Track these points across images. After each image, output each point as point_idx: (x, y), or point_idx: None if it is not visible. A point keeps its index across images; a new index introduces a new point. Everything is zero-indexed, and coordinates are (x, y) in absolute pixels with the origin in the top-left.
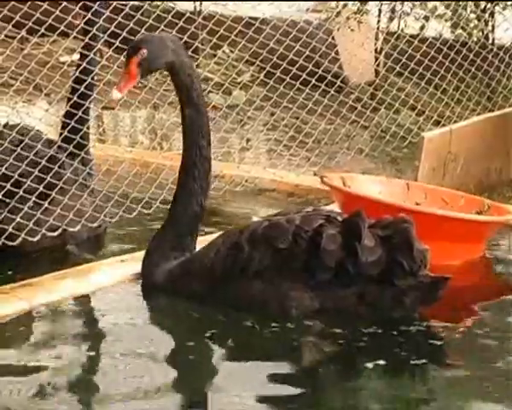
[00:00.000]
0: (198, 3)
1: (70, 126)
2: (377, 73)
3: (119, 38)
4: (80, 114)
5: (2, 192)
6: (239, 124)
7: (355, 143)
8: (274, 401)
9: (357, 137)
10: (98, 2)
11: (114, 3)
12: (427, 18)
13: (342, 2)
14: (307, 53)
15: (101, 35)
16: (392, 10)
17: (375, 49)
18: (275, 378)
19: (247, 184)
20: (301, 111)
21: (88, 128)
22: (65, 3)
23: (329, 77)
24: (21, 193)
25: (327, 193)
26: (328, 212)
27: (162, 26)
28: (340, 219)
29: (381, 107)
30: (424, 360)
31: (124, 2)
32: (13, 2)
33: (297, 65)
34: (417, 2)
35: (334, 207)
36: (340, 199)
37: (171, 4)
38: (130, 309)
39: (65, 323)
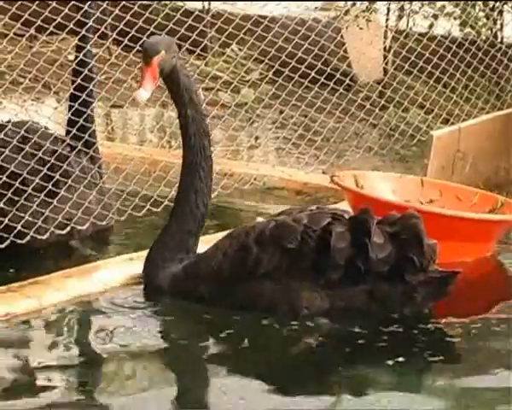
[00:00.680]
0: (206, 2)
1: (73, 122)
2: (386, 71)
3: (128, 37)
4: (78, 107)
5: (9, 190)
6: (248, 122)
7: (364, 141)
8: (289, 400)
9: (366, 135)
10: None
11: (123, 2)
12: (435, 16)
13: (351, 1)
14: (316, 51)
15: (91, 36)
16: (401, 8)
17: (384, 48)
18: (288, 378)
19: (255, 182)
20: (310, 109)
21: (93, 124)
22: (73, 2)
23: (338, 75)
24: (28, 190)
25: (335, 191)
26: (332, 210)
27: (171, 25)
28: (346, 216)
29: (390, 105)
30: (436, 358)
31: (133, 1)
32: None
33: (306, 63)
34: (426, 1)
35: (341, 206)
36: (351, 199)
37: (179, 3)
38: (137, 310)
39: (72, 322)
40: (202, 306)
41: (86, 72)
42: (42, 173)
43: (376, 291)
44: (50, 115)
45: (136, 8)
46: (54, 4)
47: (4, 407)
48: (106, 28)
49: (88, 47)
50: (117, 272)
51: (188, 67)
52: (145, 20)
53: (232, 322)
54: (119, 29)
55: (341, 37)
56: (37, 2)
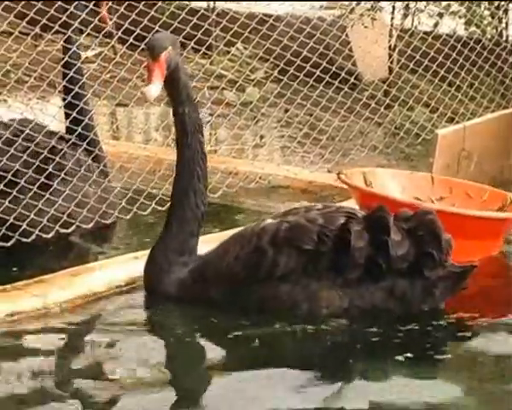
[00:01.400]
0: (211, 1)
1: (68, 116)
2: (391, 70)
3: (133, 35)
4: (72, 101)
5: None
6: (253, 121)
7: (369, 139)
8: (307, 398)
9: (371, 133)
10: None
11: (128, 1)
12: (440, 15)
13: (355, 0)
14: (321, 50)
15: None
16: (406, 7)
17: (389, 46)
18: (307, 377)
19: (260, 180)
20: (315, 108)
21: (88, 119)
22: (78, 1)
23: (343, 74)
24: (20, 183)
25: (341, 189)
26: (341, 208)
27: (176, 23)
28: (359, 215)
29: (395, 104)
30: (452, 355)
31: (138, 0)
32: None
33: (311, 62)
34: (431, 0)
35: (347, 204)
36: (358, 197)
37: (185, 1)
38: (142, 310)
39: (77, 321)
40: (213, 310)
41: (73, 70)
42: (34, 167)
43: (396, 288)
44: (55, 114)
45: (141, 6)
46: (59, 3)
47: (7, 405)
48: (111, 27)
49: (74, 48)
50: (122, 270)
51: (193, 66)
52: (150, 18)
53: (242, 323)
54: (124, 28)
55: (346, 35)
56: (41, 1)
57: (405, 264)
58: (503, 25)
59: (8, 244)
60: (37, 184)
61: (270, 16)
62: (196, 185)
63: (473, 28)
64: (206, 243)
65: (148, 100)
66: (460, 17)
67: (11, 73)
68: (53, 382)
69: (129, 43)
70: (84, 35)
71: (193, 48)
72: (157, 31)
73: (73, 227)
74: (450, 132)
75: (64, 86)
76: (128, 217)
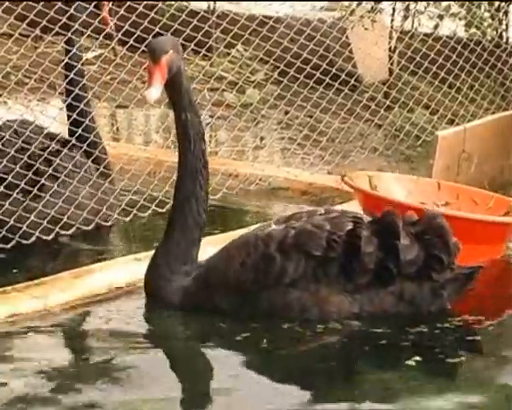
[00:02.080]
0: (212, 2)
1: (69, 118)
2: (391, 71)
3: (133, 37)
4: (68, 100)
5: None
6: (253, 122)
7: (369, 141)
8: (317, 402)
9: (371, 135)
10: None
11: (128, 2)
12: (441, 17)
13: (356, 1)
14: (321, 52)
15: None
16: (406, 9)
17: (389, 48)
18: (316, 381)
19: (260, 182)
20: (315, 110)
21: (93, 121)
22: (79, 2)
23: (343, 76)
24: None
25: (340, 191)
26: (344, 212)
27: (176, 25)
28: (365, 219)
29: (395, 105)
30: (462, 358)
31: (138, 2)
32: (26, 1)
33: (311, 63)
34: (431, 1)
35: (348, 206)
36: (363, 200)
37: (185, 3)
38: (144, 312)
39: (78, 323)
40: (219, 317)
41: (74, 72)
42: (33, 169)
43: (405, 292)
44: (55, 116)
45: (141, 8)
46: (59, 4)
47: (7, 407)
48: (112, 28)
49: (74, 50)
50: (123, 272)
51: (193, 68)
52: (150, 20)
53: (249, 327)
54: (124, 30)
55: (346, 37)
56: (42, 3)
57: (414, 268)
58: (504, 26)
59: (8, 246)
60: (30, 185)
61: (270, 18)
62: (198, 193)
63: (473, 30)
64: (207, 245)
65: (148, 102)
66: (460, 19)
67: (11, 74)
68: (53, 384)
69: (129, 44)
70: (84, 36)
71: (193, 49)
72: (158, 33)
73: (73, 229)
74: (450, 134)
75: (66, 88)
76: (128, 219)
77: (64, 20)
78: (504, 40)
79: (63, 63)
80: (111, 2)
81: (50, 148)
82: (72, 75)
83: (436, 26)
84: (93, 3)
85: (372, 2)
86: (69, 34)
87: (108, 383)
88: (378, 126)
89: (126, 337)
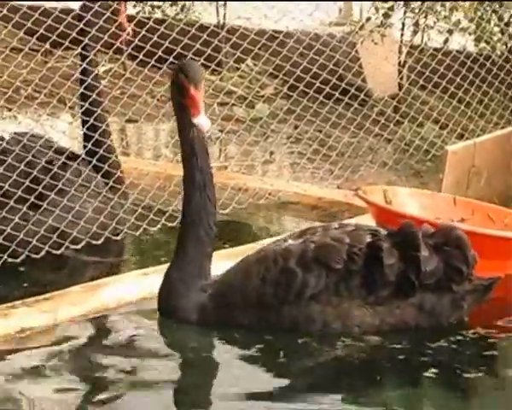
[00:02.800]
0: (222, 17)
1: (86, 136)
2: (401, 86)
3: (143, 52)
4: (85, 119)
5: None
6: (262, 137)
7: (378, 156)
8: None
9: (381, 150)
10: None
11: (138, 17)
12: (450, 31)
13: (366, 16)
14: (331, 66)
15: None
16: (416, 24)
17: (399, 63)
18: (336, 395)
19: (270, 197)
20: (325, 124)
21: (105, 136)
22: (89, 17)
23: (353, 90)
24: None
25: (350, 206)
26: (358, 226)
27: (186, 40)
28: (382, 232)
29: (405, 120)
30: (480, 374)
31: (147, 16)
32: (37, 16)
33: (320, 78)
34: (441, 16)
35: (359, 220)
36: (376, 214)
37: (194, 17)
38: (156, 327)
39: (87, 338)
40: (239, 333)
41: (89, 89)
42: (30, 178)
43: (425, 304)
44: (65, 130)
45: (151, 23)
46: (69, 19)
47: None
48: (121, 43)
49: (84, 64)
50: (132, 286)
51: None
52: (160, 35)
53: (265, 340)
54: (133, 44)
55: (356, 52)
56: (52, 17)
57: (434, 279)
58: None
59: (18, 260)
60: (36, 199)
61: (279, 32)
62: (208, 206)
63: (482, 44)
64: (217, 260)
65: (202, 131)
66: (470, 34)
67: (21, 89)
68: (63, 400)
69: (139, 59)
70: (95, 50)
71: (203, 64)
72: (167, 48)
73: (82, 243)
74: (460, 149)
75: (80, 104)
76: (137, 233)
77: (74, 34)
78: None
79: (76, 78)
80: (127, 9)
81: (55, 161)
82: (88, 91)
83: (446, 41)
84: (110, 10)
85: (381, 17)
86: (78, 48)
87: (119, 399)
88: (388, 141)
89: (138, 352)
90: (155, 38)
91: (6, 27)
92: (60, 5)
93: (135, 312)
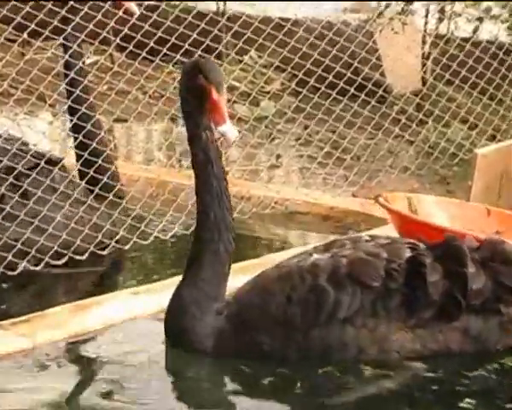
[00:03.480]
0: (222, 3)
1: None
2: (424, 81)
3: (133, 42)
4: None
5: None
6: (268, 138)
7: (399, 160)
8: None
9: (402, 153)
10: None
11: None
12: (480, 19)
13: (385, 2)
14: (345, 58)
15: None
16: (442, 11)
17: (422, 55)
18: None
19: (276, 206)
20: (338, 124)
21: (102, 144)
22: (71, 3)
23: (370, 85)
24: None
25: (366, 216)
26: (391, 238)
27: (181, 29)
28: (421, 245)
29: (429, 119)
30: None
31: (139, 2)
32: (13, 2)
33: (333, 72)
34: (470, 2)
35: (378, 231)
36: (399, 223)
37: (191, 3)
38: (147, 350)
39: (67, 363)
40: (262, 362)
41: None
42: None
43: (471, 327)
44: (45, 131)
45: (141, 9)
46: (49, 6)
47: None
48: (108, 33)
49: (66, 56)
50: (120, 307)
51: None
52: (152, 23)
53: (279, 371)
54: (122, 34)
55: (374, 42)
56: (31, 3)
57: (481, 299)
58: None
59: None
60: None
61: (287, 20)
62: (227, 219)
63: None
64: None
65: (229, 144)
66: (502, 22)
67: None
68: None
69: (128, 50)
70: (78, 40)
71: (200, 56)
72: (160, 37)
73: (66, 258)
74: (491, 152)
75: (69, 107)
76: (127, 247)
77: (55, 22)
78: None
79: (58, 72)
80: None
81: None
82: (74, 88)
83: (475, 30)
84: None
85: (403, 3)
86: (59, 39)
87: None
88: (409, 143)
89: (123, 374)
90: (147, 27)
91: None
92: None
93: (121, 334)
